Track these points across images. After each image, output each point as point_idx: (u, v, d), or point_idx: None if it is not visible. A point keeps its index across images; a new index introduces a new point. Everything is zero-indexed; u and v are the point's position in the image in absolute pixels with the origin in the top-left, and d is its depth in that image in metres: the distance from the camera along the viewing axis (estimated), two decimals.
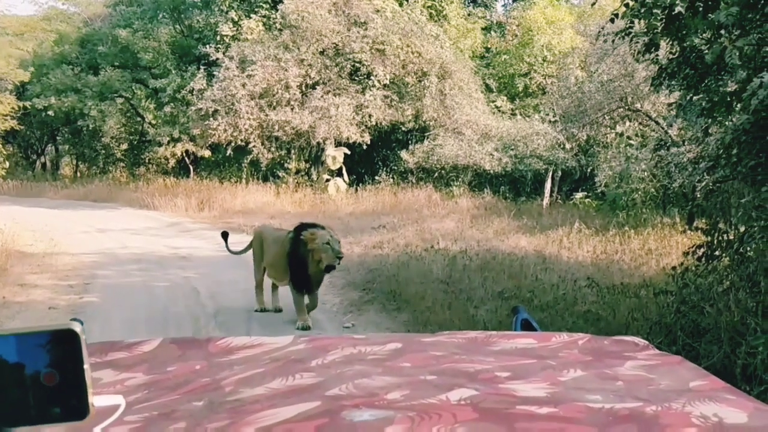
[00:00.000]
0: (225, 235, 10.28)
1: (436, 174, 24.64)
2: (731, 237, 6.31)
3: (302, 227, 8.88)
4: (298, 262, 8.70)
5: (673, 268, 6.85)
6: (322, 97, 23.55)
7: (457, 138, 23.87)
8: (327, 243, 8.43)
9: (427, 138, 24.74)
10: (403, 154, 24.91)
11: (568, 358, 1.95)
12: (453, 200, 22.38)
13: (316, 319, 9.91)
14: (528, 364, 1.87)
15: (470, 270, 12.24)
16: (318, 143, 24.26)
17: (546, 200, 23.45)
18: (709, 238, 6.48)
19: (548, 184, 23.96)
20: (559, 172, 24.45)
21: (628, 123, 20.87)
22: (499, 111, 26.99)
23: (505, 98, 27.94)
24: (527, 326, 2.54)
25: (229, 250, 10.37)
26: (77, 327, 1.14)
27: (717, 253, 6.42)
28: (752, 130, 6.55)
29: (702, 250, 6.52)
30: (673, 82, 7.82)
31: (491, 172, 23.99)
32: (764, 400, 4.63)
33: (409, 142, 25.76)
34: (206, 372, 1.86)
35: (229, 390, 1.68)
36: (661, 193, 17.80)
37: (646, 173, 18.36)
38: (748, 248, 5.76)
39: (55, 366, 1.14)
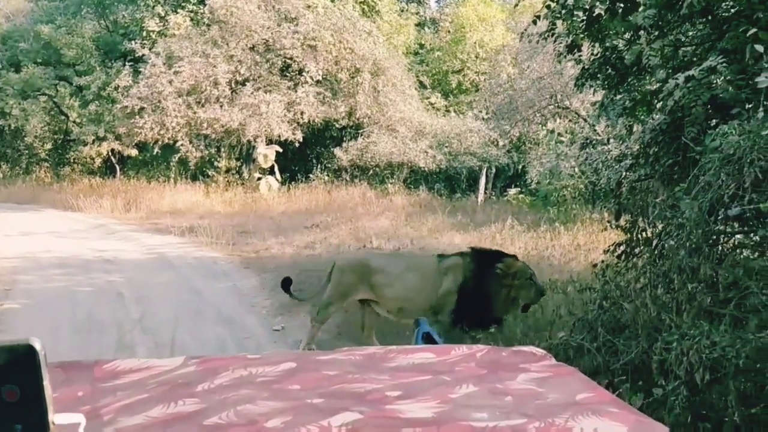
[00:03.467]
0: (287, 283, 8.01)
1: (371, 171, 24.63)
2: (649, 235, 6.44)
3: (484, 254, 7.60)
4: (478, 295, 7.20)
5: (594, 265, 6.97)
6: (252, 93, 23.23)
7: (391, 135, 23.89)
8: (529, 278, 7.34)
9: (361, 135, 24.69)
10: (337, 151, 24.81)
11: (464, 372, 1.97)
12: (388, 198, 22.39)
13: (244, 322, 9.78)
14: (422, 381, 1.88)
15: None
16: (249, 141, 23.95)
17: (480, 197, 23.69)
18: (629, 236, 6.61)
19: (482, 181, 24.20)
20: (493, 169, 24.73)
21: (558, 120, 21.23)
22: (433, 108, 27.13)
23: (438, 95, 28.10)
24: (429, 339, 2.55)
25: (294, 297, 8.43)
26: (37, 343, 1.12)
27: (636, 250, 6.55)
28: (669, 130, 6.70)
29: (622, 247, 6.65)
30: (595, 82, 7.95)
31: (426, 169, 24.10)
32: (678, 395, 4.73)
33: (343, 139, 25.66)
34: (89, 398, 1.80)
35: (108, 419, 1.64)
36: (590, 190, 18.15)
37: (575, 170, 18.70)
38: (665, 246, 5.88)
39: (16, 382, 1.12)
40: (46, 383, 1.14)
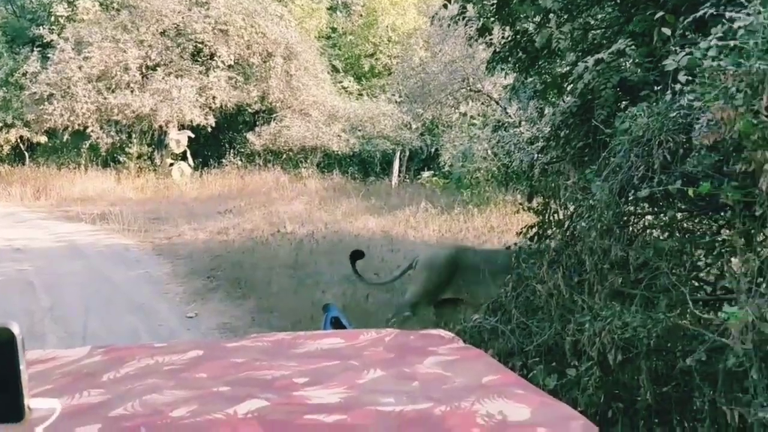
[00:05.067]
0: (357, 256, 7.55)
1: (284, 156, 24.36)
2: (561, 217, 6.50)
3: None
4: None
5: (508, 247, 6.99)
6: (163, 79, 22.66)
7: (304, 119, 23.66)
8: None
9: (274, 120, 24.36)
10: (250, 136, 24.42)
11: (372, 357, 1.98)
12: (302, 182, 22.22)
13: (157, 310, 9.55)
14: (330, 367, 1.88)
15: (317, 253, 12.15)
16: (160, 126, 23.35)
17: (395, 180, 23.73)
18: (541, 218, 6.64)
19: (396, 164, 24.23)
20: (407, 152, 24.78)
21: (471, 103, 21.40)
22: (346, 92, 26.99)
23: (351, 79, 27.95)
24: (338, 324, 2.57)
25: (363, 279, 7.95)
26: (15, 327, 1.11)
27: (549, 232, 6.59)
28: (579, 113, 6.75)
29: (534, 230, 6.68)
30: (506, 65, 7.97)
31: (339, 153, 23.99)
32: (591, 376, 4.74)
33: (256, 124, 25.27)
34: None
35: None
36: (503, 172, 18.38)
37: (488, 152, 18.89)
38: (576, 228, 5.93)
39: None
40: (23, 367, 1.12)
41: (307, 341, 2.12)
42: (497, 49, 7.90)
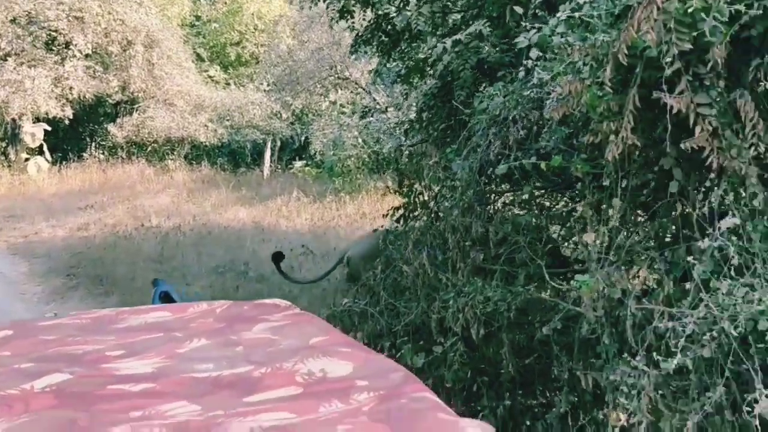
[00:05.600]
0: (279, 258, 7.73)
1: (149, 148, 23.52)
2: (426, 198, 6.55)
3: None
4: None
5: (375, 230, 7.00)
6: (15, 69, 21.28)
7: (168, 110, 22.89)
8: None
9: (137, 110, 23.45)
10: (112, 128, 23.40)
11: (199, 328, 1.96)
12: (168, 175, 21.56)
13: (12, 311, 9.01)
14: (150, 339, 1.85)
15: (184, 246, 11.80)
16: (14, 120, 21.99)
17: (266, 170, 23.41)
18: (407, 200, 6.68)
19: (267, 155, 23.90)
20: (278, 142, 24.49)
21: (340, 91, 21.37)
22: (213, 81, 26.36)
23: (218, 68, 27.32)
24: (168, 299, 2.58)
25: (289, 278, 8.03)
26: None
27: (415, 214, 6.64)
28: (440, 95, 6.81)
29: (400, 211, 6.71)
30: (368, 48, 7.95)
31: (208, 144, 23.40)
32: (456, 351, 4.77)
33: (118, 115, 24.24)
34: None
35: None
36: (373, 159, 18.46)
37: (358, 140, 18.94)
38: (440, 207, 5.99)
39: None
40: None
41: (131, 316, 2.10)
42: (359, 32, 7.86)
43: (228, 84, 26.46)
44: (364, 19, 7.78)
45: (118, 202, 16.94)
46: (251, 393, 1.51)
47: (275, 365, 1.65)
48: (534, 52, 4.61)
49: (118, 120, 23.75)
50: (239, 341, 1.83)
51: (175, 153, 23.50)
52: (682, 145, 3.31)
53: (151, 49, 23.05)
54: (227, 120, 23.27)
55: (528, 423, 5.42)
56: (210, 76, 26.63)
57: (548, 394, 5.51)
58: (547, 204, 5.50)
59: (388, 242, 6.54)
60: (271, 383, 1.55)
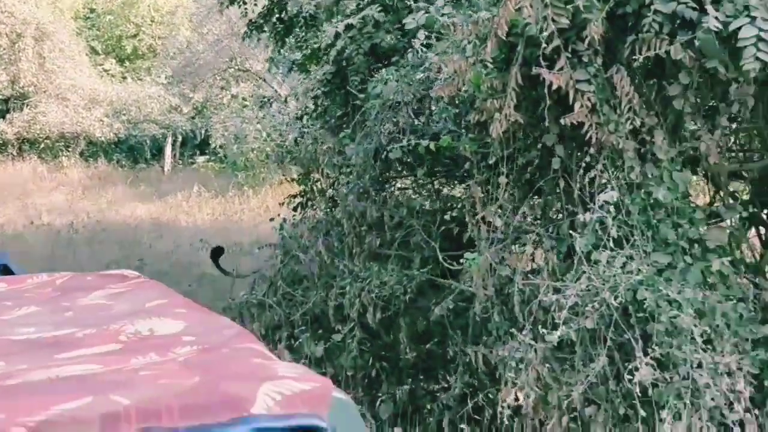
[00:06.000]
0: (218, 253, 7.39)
1: (42, 145, 22.55)
2: (324, 186, 6.48)
3: None
4: None
5: (271, 219, 6.89)
6: None
7: (61, 104, 21.96)
8: None
9: (28, 106, 22.41)
10: (1, 124, 22.30)
11: (34, 298, 1.92)
12: (62, 172, 20.73)
13: None
14: None
15: (77, 243, 11.36)
16: None
17: (167, 166, 22.84)
18: (303, 188, 6.60)
19: (168, 150, 23.31)
20: (179, 137, 23.92)
21: (242, 84, 21.01)
22: (108, 75, 25.46)
23: (113, 61, 26.40)
24: (7, 271, 2.54)
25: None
26: None
27: (313, 202, 6.57)
28: (336, 81, 6.74)
29: (297, 200, 6.63)
30: (262, 33, 7.82)
31: (104, 139, 22.60)
32: (354, 337, 4.72)
33: (8, 111, 23.11)
34: None
35: None
36: (276, 152, 18.20)
37: (261, 133, 18.67)
38: (337, 194, 5.94)
39: None
40: None
41: None
42: (253, 19, 7.72)
43: (124, 77, 25.63)
44: (256, 5, 7.64)
45: (7, 200, 16.14)
46: (67, 351, 1.46)
47: (101, 327, 1.60)
48: (422, 34, 4.63)
49: (8, 116, 22.65)
50: (71, 307, 1.78)
51: (69, 150, 22.61)
52: (561, 121, 3.36)
53: (42, 42, 22.07)
54: (124, 114, 22.53)
55: (429, 407, 5.43)
56: (105, 70, 25.72)
57: (448, 377, 5.52)
58: (442, 187, 5.51)
59: (285, 231, 6.44)
60: (91, 342, 1.50)
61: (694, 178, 4.19)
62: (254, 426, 1.37)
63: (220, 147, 19.77)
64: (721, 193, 4.00)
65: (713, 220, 3.88)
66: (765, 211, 4.14)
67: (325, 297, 5.55)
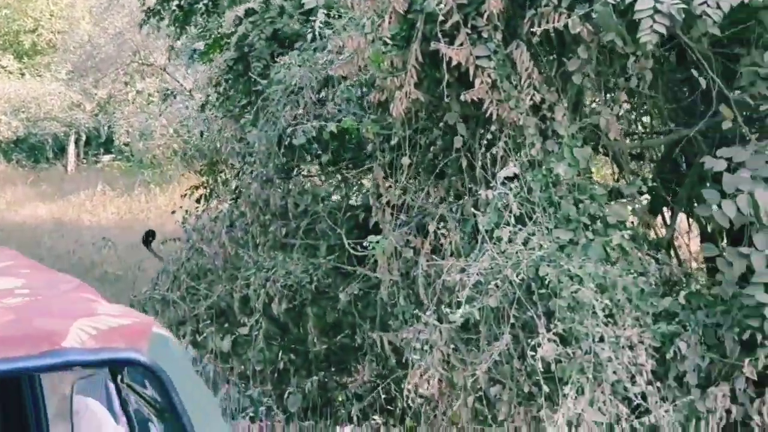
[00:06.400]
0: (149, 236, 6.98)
1: None
2: (228, 176, 6.32)
3: None
4: None
5: (173, 212, 6.66)
6: None
7: None
8: None
9: None
10: None
11: None
12: None
13: None
14: None
15: None
16: None
17: (71, 165, 22.02)
18: (206, 179, 6.41)
19: (71, 148, 22.48)
20: (82, 135, 23.09)
21: (147, 80, 20.39)
22: (5, 71, 24.32)
23: (11, 57, 25.24)
24: None
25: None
26: None
27: (217, 192, 6.38)
28: (238, 67, 6.56)
29: (200, 191, 6.42)
30: (160, 21, 7.55)
31: (2, 138, 21.61)
32: (259, 330, 4.56)
33: None
34: None
35: None
36: (183, 148, 17.77)
37: (168, 129, 18.20)
38: (241, 183, 5.77)
39: None
40: None
41: None
42: (150, 6, 7.45)
43: (23, 74, 24.53)
44: None
45: None
46: None
47: None
48: (321, 15, 4.52)
49: None
50: None
51: None
52: (462, 97, 3.31)
53: None
54: (23, 112, 21.56)
55: (341, 398, 5.34)
56: (2, 66, 24.57)
57: (359, 368, 5.43)
58: (348, 173, 5.41)
59: (187, 224, 6.23)
60: None
61: (599, 157, 4.22)
62: (66, 359, 1.39)
63: (125, 144, 19.16)
64: (623, 170, 4.03)
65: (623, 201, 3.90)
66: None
67: (230, 289, 5.38)
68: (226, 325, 5.46)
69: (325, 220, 4.90)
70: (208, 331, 5.31)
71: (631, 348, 3.07)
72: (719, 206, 3.17)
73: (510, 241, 3.13)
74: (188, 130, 16.51)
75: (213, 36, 7.95)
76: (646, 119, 4.32)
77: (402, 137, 3.71)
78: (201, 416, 1.52)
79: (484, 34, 3.33)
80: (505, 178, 3.25)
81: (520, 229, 3.16)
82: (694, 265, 4.53)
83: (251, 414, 5.02)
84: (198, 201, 6.38)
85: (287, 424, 4.97)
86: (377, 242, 3.67)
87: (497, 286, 3.13)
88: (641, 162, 4.29)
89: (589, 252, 3.23)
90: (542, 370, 3.02)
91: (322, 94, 5.11)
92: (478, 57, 3.29)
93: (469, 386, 3.25)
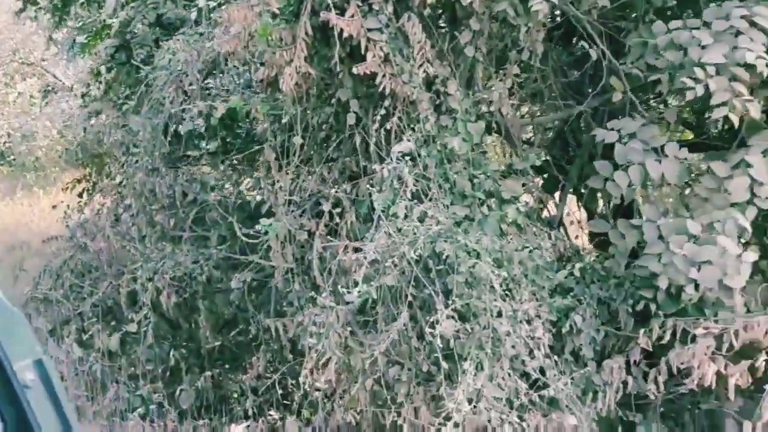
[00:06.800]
0: None
1: None
2: (112, 168, 6.04)
3: None
4: None
5: (54, 206, 6.31)
6: None
7: None
8: None
9: None
10: None
11: None
12: None
13: None
14: None
15: None
16: None
17: None
18: (88, 171, 6.09)
19: None
20: None
21: (29, 80, 19.42)
22: None
23: None
24: None
25: None
26: None
27: (101, 185, 6.08)
28: (120, 56, 6.27)
29: (82, 184, 6.10)
30: (39, 11, 7.16)
31: None
32: (148, 325, 4.33)
33: None
34: None
35: None
36: (66, 148, 17.01)
37: (51, 130, 17.43)
38: (126, 174, 5.50)
39: None
40: None
41: None
42: None
43: None
44: None
45: None
46: None
47: None
48: None
49: None
50: None
51: None
52: (354, 70, 3.20)
53: None
54: None
55: (235, 394, 5.17)
56: None
57: (253, 361, 5.26)
58: (237, 159, 5.22)
59: (69, 219, 5.91)
60: None
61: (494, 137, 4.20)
62: None
63: (7, 147, 18.22)
64: (516, 147, 4.02)
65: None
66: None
67: (117, 285, 5.11)
68: (114, 322, 5.21)
69: (216, 208, 4.70)
70: (95, 330, 5.04)
71: (528, 322, 3.05)
72: (611, 178, 3.19)
73: (406, 217, 3.05)
74: (72, 130, 15.84)
75: (94, 28, 7.60)
76: (537, 98, 4.33)
77: (293, 116, 3.57)
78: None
79: (375, 6, 3.24)
80: (400, 153, 3.16)
81: (417, 204, 3.09)
82: (585, 241, 4.59)
83: (141, 413, 4.78)
84: (80, 195, 6.04)
85: (180, 422, 4.76)
86: (269, 225, 3.52)
87: (394, 265, 3.05)
88: (534, 138, 4.31)
89: (485, 227, 3.19)
90: (441, 347, 2.95)
91: (209, 81, 4.94)
92: (369, 29, 3.20)
93: (367, 369, 3.16)
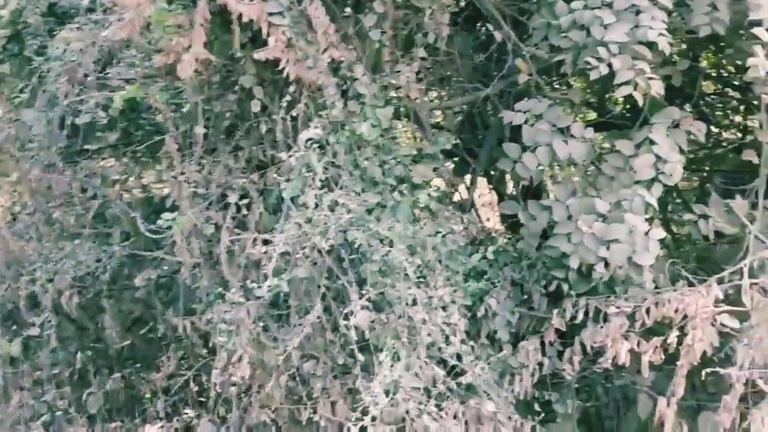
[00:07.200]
0: None
1: None
2: (7, 166, 5.71)
3: None
4: None
5: None
6: None
7: None
8: None
9: None
10: None
11: None
12: None
13: None
14: None
15: None
16: None
17: None
18: None
19: None
20: None
21: None
22: None
23: None
24: None
25: None
26: None
27: None
28: (11, 47, 5.95)
29: None
30: None
31: None
32: (51, 328, 4.11)
33: None
34: None
35: None
36: None
37: None
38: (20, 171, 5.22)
39: None
40: None
41: None
42: None
43: None
44: None
45: None
46: None
47: None
48: None
49: None
50: None
51: None
52: (256, 56, 3.09)
53: None
54: None
55: (148, 395, 5.01)
56: None
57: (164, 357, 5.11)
58: (140, 152, 5.01)
59: None
60: None
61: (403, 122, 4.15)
62: None
63: None
64: (425, 132, 3.97)
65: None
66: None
67: (16, 288, 4.86)
68: (15, 327, 4.96)
69: (118, 203, 4.51)
70: None
71: (444, 308, 3.01)
72: (520, 160, 3.19)
73: (316, 207, 2.97)
74: None
75: None
76: (445, 82, 4.30)
77: (194, 105, 3.43)
78: None
79: None
80: (308, 141, 3.07)
81: (327, 192, 3.00)
82: (495, 224, 4.61)
83: (47, 420, 4.58)
84: None
85: (91, 426, 4.58)
86: (173, 220, 3.38)
87: (305, 256, 2.96)
88: (443, 122, 4.28)
89: (397, 214, 3.14)
90: (356, 339, 2.89)
91: (108, 71, 4.72)
92: (270, 14, 3.08)
93: (281, 365, 3.07)
